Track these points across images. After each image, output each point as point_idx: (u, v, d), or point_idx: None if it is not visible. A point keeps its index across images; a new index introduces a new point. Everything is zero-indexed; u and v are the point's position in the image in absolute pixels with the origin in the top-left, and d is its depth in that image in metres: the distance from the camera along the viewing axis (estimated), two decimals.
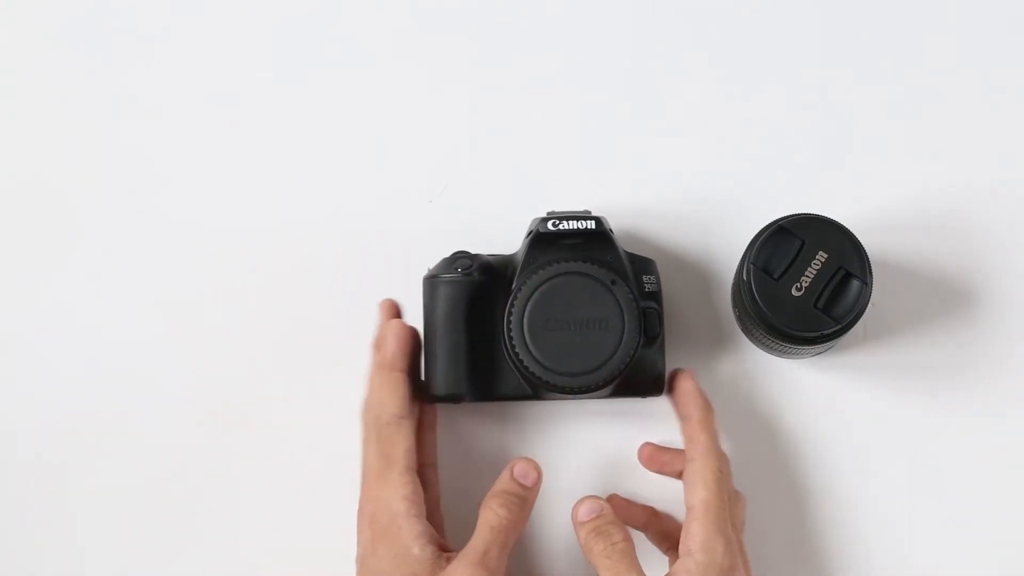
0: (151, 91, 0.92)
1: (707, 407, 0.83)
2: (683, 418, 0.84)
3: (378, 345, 0.84)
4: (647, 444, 0.87)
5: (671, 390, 0.85)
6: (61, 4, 0.93)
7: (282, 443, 0.89)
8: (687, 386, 0.84)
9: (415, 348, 0.84)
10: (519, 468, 0.81)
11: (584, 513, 0.81)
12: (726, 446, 0.87)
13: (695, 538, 0.79)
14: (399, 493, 0.80)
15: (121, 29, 0.93)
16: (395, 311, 0.85)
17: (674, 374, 0.85)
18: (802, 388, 0.88)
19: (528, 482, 0.81)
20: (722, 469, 0.81)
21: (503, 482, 0.81)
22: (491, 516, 0.79)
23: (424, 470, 0.85)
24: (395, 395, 0.82)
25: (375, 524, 0.80)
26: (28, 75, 0.93)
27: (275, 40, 0.92)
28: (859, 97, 0.90)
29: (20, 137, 0.93)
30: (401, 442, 0.81)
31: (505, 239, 0.86)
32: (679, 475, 0.85)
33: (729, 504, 0.81)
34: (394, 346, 0.83)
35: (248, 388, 0.89)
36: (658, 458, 0.86)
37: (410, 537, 0.79)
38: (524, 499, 0.80)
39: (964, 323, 0.88)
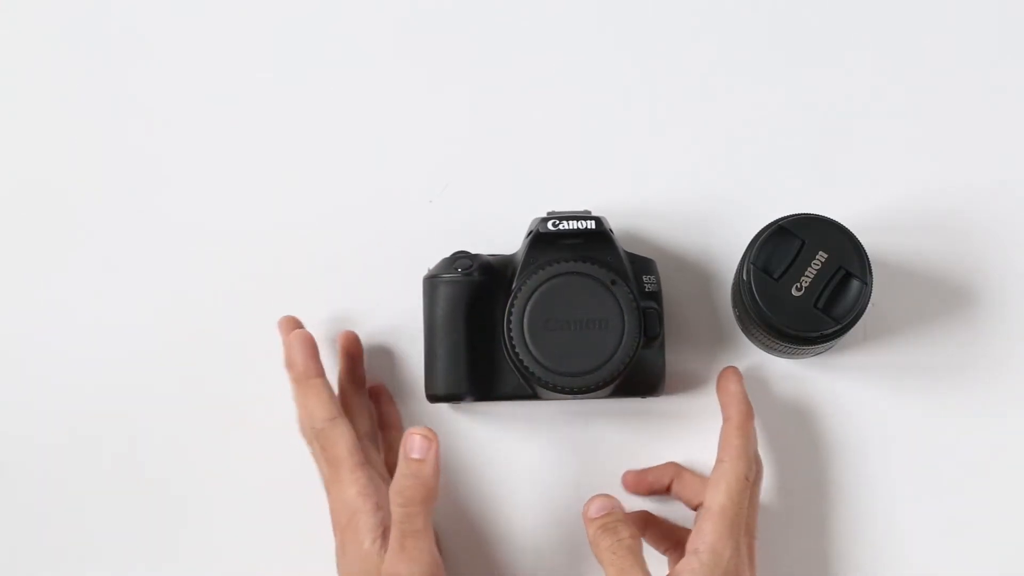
0: (151, 91, 0.92)
1: (747, 412, 0.84)
2: (724, 419, 0.84)
3: (289, 362, 0.85)
4: (628, 472, 0.87)
5: (717, 386, 0.86)
6: (61, 4, 0.93)
7: (282, 443, 0.88)
8: (732, 388, 0.84)
9: (355, 351, 0.88)
10: (409, 445, 0.79)
11: (595, 510, 0.81)
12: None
13: (705, 538, 0.79)
14: (352, 489, 0.81)
15: (121, 29, 0.93)
16: (295, 325, 0.86)
17: (723, 372, 0.86)
18: (802, 388, 0.88)
19: (420, 455, 0.78)
20: (748, 476, 0.81)
21: (398, 465, 0.79)
22: (394, 510, 0.79)
23: (395, 432, 0.86)
24: (319, 400, 0.83)
25: (339, 525, 0.82)
26: (28, 75, 0.93)
27: (275, 40, 0.92)
28: (859, 97, 0.90)
29: (20, 137, 0.93)
30: (340, 441, 0.82)
31: (505, 239, 0.87)
32: (667, 490, 0.86)
33: (749, 510, 0.81)
34: (302, 356, 0.84)
35: (248, 388, 0.89)
36: (643, 481, 0.87)
37: (364, 530, 0.80)
38: (417, 474, 0.78)
39: (964, 323, 0.88)
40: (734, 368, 0.86)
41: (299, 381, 0.84)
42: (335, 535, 0.83)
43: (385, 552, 0.79)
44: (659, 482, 0.86)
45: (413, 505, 0.78)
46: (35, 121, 0.93)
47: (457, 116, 0.91)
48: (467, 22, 0.92)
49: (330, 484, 0.82)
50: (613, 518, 0.81)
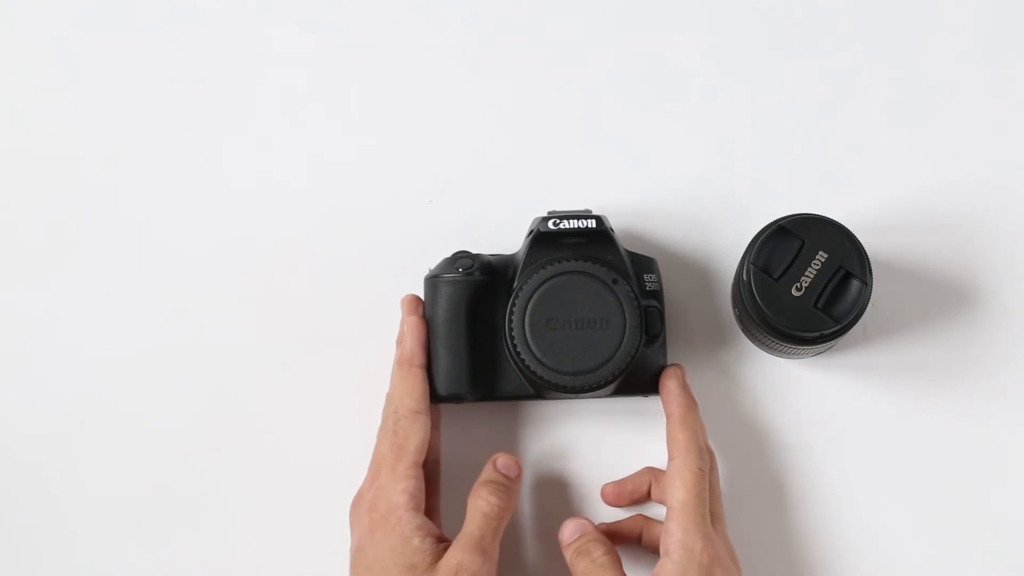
0: (151, 92, 0.92)
1: (687, 405, 0.84)
2: (666, 416, 0.84)
3: (399, 341, 0.85)
4: (607, 484, 0.87)
5: (659, 387, 0.86)
6: (57, 13, 0.93)
7: (280, 444, 0.89)
8: (668, 385, 0.85)
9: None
10: (501, 462, 0.84)
11: (568, 535, 0.83)
12: (725, 445, 0.87)
13: (673, 537, 0.80)
14: (401, 485, 0.81)
15: (120, 29, 0.93)
16: (415, 307, 0.86)
17: (662, 372, 0.86)
18: (802, 388, 0.88)
19: (511, 475, 0.83)
20: (701, 467, 0.82)
21: (488, 473, 0.83)
22: (482, 504, 0.81)
23: (428, 465, 0.86)
24: (413, 390, 0.83)
25: (374, 512, 0.81)
26: (24, 78, 0.93)
27: (274, 41, 0.92)
28: (859, 97, 0.90)
29: (20, 146, 0.92)
30: (415, 436, 0.82)
31: (505, 239, 0.87)
32: (648, 495, 0.86)
33: (710, 500, 0.82)
34: (412, 343, 0.84)
35: (248, 388, 0.89)
36: (622, 491, 0.87)
37: (410, 529, 0.80)
38: (509, 488, 0.83)
39: (964, 323, 0.88)
40: (675, 365, 0.86)
41: (401, 364, 0.84)
42: (360, 518, 0.82)
43: (437, 548, 0.80)
44: (639, 490, 0.86)
45: (501, 506, 0.81)
46: (35, 130, 0.92)
47: (457, 116, 0.91)
48: (467, 23, 0.92)
49: (382, 469, 0.82)
50: (586, 539, 0.82)
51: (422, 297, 0.85)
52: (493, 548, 0.81)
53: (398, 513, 0.80)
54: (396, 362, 0.84)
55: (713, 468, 0.84)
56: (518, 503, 0.85)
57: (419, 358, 0.84)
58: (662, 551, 0.80)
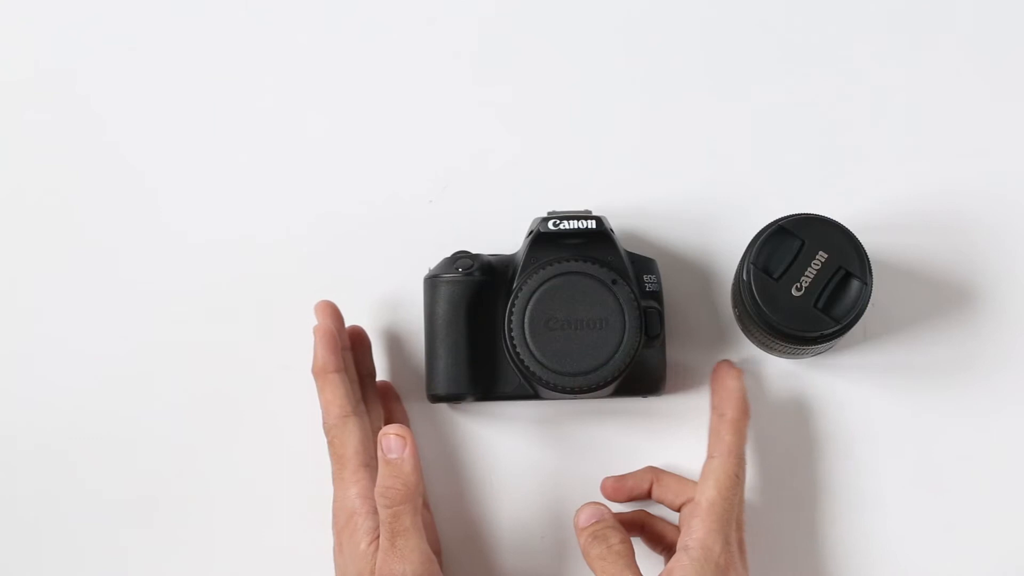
0: (150, 92, 0.92)
1: (744, 410, 0.84)
2: (717, 414, 0.84)
3: (313, 355, 0.84)
4: (606, 479, 0.87)
5: (712, 380, 0.86)
6: (52, 12, 0.93)
7: (281, 444, 0.89)
8: (731, 384, 0.84)
9: (356, 343, 0.86)
10: (385, 445, 0.78)
11: (584, 519, 0.82)
12: None
13: (695, 534, 0.79)
14: (352, 490, 0.81)
15: (121, 28, 0.93)
16: (325, 314, 0.85)
17: (720, 366, 0.86)
18: (802, 388, 0.88)
19: (396, 454, 0.78)
20: (738, 474, 0.81)
21: (379, 467, 0.79)
22: (380, 512, 0.79)
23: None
24: (333, 396, 0.83)
25: (337, 524, 0.82)
26: (20, 77, 0.93)
27: (274, 39, 0.92)
28: (859, 97, 0.90)
29: (20, 144, 0.93)
30: (349, 440, 0.82)
31: (505, 239, 0.87)
32: (647, 495, 0.86)
33: (737, 507, 0.81)
34: (320, 350, 0.83)
35: (246, 390, 0.89)
36: (622, 487, 0.86)
37: (361, 532, 0.80)
38: (397, 473, 0.78)
39: (964, 323, 0.88)
40: (732, 363, 0.86)
41: (315, 375, 0.84)
42: (333, 534, 0.83)
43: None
44: (639, 487, 0.86)
45: (397, 504, 0.78)
46: (35, 126, 0.92)
47: (458, 116, 0.91)
48: (467, 22, 0.92)
49: (335, 481, 0.83)
50: (603, 525, 0.81)
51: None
52: (408, 547, 0.77)
53: (354, 519, 0.80)
54: (311, 373, 0.84)
55: (744, 479, 0.84)
56: (418, 478, 0.78)
57: (331, 364, 0.83)
58: (680, 546, 0.80)
